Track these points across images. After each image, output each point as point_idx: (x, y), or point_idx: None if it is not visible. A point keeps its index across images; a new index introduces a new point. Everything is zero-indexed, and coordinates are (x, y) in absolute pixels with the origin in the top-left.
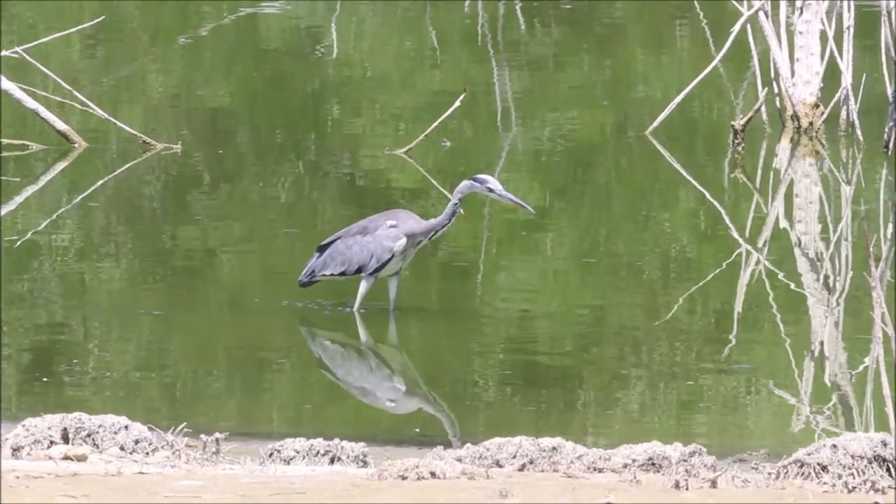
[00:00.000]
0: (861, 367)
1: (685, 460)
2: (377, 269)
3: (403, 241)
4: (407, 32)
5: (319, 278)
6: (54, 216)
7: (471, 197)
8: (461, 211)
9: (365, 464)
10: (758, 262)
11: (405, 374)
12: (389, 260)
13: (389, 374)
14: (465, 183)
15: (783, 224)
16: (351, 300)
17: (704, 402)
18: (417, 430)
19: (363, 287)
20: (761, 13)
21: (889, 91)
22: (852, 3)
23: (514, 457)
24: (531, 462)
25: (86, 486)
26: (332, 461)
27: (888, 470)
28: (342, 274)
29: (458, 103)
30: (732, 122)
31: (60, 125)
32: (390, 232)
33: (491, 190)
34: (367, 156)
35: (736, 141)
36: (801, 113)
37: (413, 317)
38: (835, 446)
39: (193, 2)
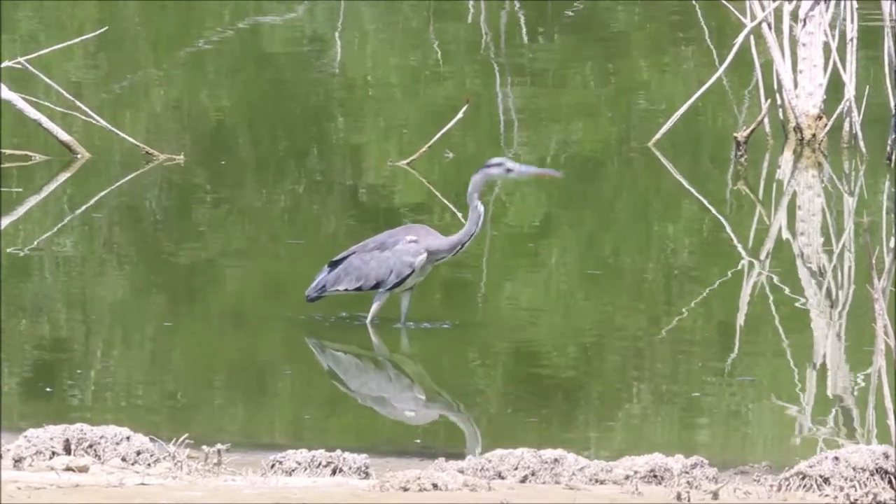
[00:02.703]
0: (863, 379)
1: (687, 472)
2: (396, 285)
3: (424, 256)
4: (410, 44)
5: (330, 293)
6: (57, 227)
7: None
8: (481, 210)
9: (367, 475)
10: (760, 273)
11: (423, 385)
12: (409, 276)
13: (407, 385)
14: (477, 177)
15: (786, 236)
16: (357, 313)
17: (706, 413)
18: (419, 441)
19: (378, 302)
20: (765, 25)
21: (892, 103)
22: (856, 15)
23: (516, 468)
24: (533, 474)
25: (87, 497)
26: (333, 473)
27: (890, 482)
28: (358, 289)
29: (460, 114)
30: (735, 134)
31: (63, 136)
32: (410, 247)
33: (510, 170)
34: (370, 167)
35: (739, 152)
36: (803, 125)
37: (416, 328)
38: (837, 458)
39: (196, 12)
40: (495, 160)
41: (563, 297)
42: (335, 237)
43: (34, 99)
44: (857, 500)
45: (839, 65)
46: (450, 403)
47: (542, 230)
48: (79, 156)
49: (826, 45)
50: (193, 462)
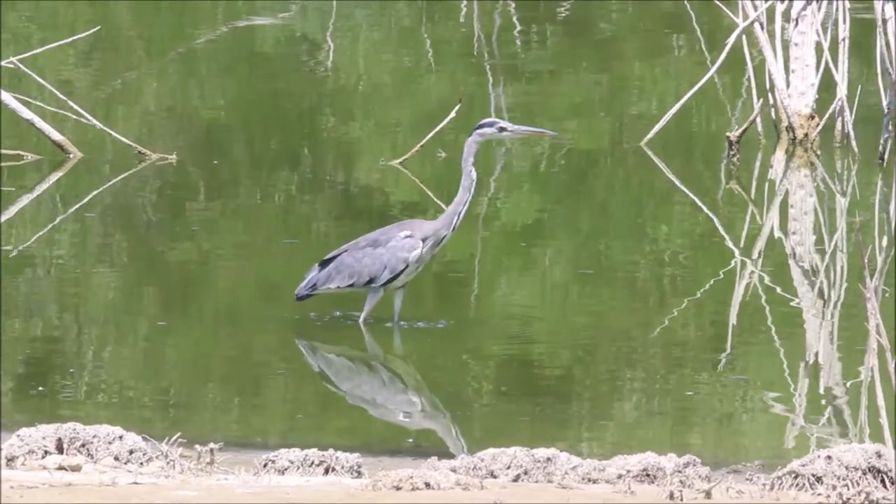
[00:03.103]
0: (856, 378)
1: (680, 471)
2: (389, 281)
3: (418, 250)
4: (403, 43)
5: (322, 291)
6: (49, 227)
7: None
8: (474, 176)
9: (359, 474)
10: (752, 273)
11: (416, 385)
12: (403, 270)
13: (400, 385)
14: (470, 140)
15: (778, 235)
16: (350, 312)
17: (699, 412)
18: (412, 440)
19: (372, 299)
20: (757, 24)
21: (884, 102)
22: (848, 14)
23: (509, 468)
24: (525, 473)
25: (80, 497)
26: (326, 472)
27: (882, 481)
28: (350, 286)
29: (452, 114)
30: (728, 133)
31: (56, 135)
32: (405, 242)
33: (503, 129)
34: (362, 167)
35: (731, 152)
36: (796, 124)
37: (409, 327)
38: (829, 457)
39: (189, 12)
40: (487, 120)
41: (557, 296)
42: (328, 236)
43: (27, 99)
44: (849, 499)
45: (831, 64)
46: (438, 409)
47: (536, 229)
48: (71, 155)
49: (818, 45)
50: (186, 461)
